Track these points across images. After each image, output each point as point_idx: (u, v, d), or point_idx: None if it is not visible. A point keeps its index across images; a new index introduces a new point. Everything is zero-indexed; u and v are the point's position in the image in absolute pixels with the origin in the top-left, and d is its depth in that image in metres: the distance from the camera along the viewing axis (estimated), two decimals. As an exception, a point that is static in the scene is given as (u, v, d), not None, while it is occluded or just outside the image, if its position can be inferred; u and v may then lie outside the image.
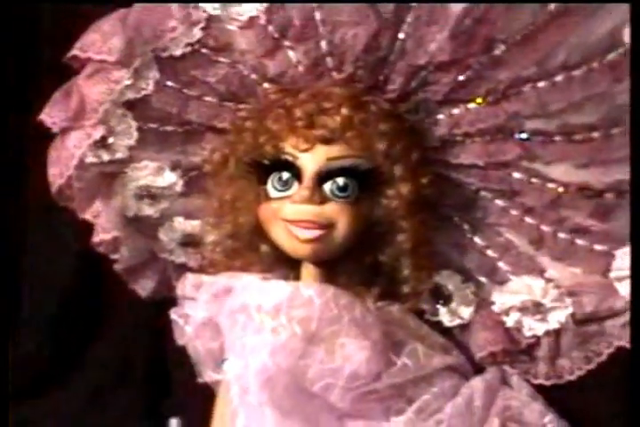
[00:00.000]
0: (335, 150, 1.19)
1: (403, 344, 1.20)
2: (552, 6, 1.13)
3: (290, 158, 1.20)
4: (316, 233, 1.18)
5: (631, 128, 1.14)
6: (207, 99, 1.29)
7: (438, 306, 1.32)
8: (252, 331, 1.18)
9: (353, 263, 1.25)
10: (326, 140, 1.19)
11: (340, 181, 1.19)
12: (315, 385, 1.15)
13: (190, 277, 1.29)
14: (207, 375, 1.30)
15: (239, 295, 1.21)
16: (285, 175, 1.20)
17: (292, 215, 1.19)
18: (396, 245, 1.24)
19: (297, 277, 1.25)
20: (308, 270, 1.24)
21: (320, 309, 1.16)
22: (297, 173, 1.19)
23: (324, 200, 1.18)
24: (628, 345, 1.23)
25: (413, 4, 1.17)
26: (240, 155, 1.26)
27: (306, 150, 1.19)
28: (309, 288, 1.18)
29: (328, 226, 1.19)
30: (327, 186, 1.19)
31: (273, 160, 1.21)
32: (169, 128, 1.32)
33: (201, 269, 1.35)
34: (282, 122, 1.21)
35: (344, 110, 1.20)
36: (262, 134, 1.23)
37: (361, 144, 1.20)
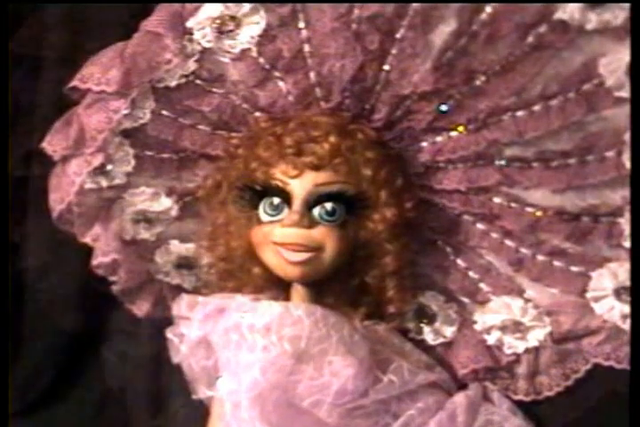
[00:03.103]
0: (323, 176, 1.22)
1: (388, 362, 1.22)
2: (530, 39, 1.15)
3: (280, 184, 1.22)
4: (304, 256, 1.21)
5: (632, 140, 1.15)
6: (201, 127, 1.31)
7: (422, 325, 1.34)
8: (244, 349, 1.20)
9: (340, 284, 1.27)
10: (315, 167, 1.21)
11: (328, 205, 1.21)
12: (304, 401, 1.17)
13: (185, 298, 1.31)
14: (201, 392, 1.31)
15: (232, 315, 1.23)
16: (276, 200, 1.22)
17: (281, 238, 1.22)
18: (381, 267, 1.26)
19: (287, 298, 1.27)
20: (298, 291, 1.26)
21: (309, 328, 1.18)
22: (287, 199, 1.22)
23: (312, 224, 1.21)
24: (604, 362, 1.26)
25: (397, 37, 1.19)
26: (232, 181, 1.28)
27: (295, 177, 1.21)
28: (299, 308, 1.21)
29: (316, 249, 1.21)
30: (316, 210, 1.21)
31: (264, 186, 1.23)
32: (164, 155, 1.34)
33: (195, 290, 1.39)
34: (272, 149, 1.24)
35: (332, 138, 1.22)
36: (253, 161, 1.25)
37: (348, 170, 1.22)
